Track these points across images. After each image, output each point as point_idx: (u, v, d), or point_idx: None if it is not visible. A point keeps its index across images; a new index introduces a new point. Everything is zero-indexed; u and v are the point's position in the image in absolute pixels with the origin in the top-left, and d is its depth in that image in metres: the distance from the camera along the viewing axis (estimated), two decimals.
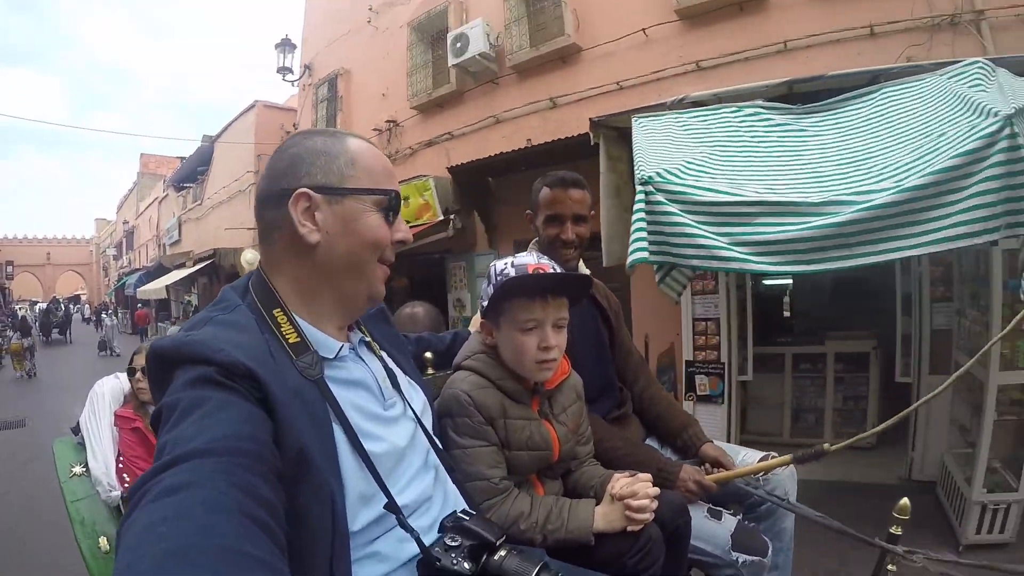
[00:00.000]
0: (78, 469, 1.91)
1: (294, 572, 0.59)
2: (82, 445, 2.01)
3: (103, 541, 1.71)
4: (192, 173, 17.21)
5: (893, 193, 2.04)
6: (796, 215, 2.20)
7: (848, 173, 2.38)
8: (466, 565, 0.81)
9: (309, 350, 0.82)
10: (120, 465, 2.08)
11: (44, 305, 23.45)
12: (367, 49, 8.40)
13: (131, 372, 2.35)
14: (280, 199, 0.84)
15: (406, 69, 7.53)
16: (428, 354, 1.36)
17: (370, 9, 8.29)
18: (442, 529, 0.86)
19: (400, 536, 0.82)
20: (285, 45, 9.60)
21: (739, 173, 2.54)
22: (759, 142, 2.86)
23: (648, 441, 1.67)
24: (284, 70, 9.66)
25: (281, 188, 0.84)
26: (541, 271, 1.16)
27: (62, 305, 22.45)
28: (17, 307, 23.11)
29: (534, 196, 1.65)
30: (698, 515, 1.34)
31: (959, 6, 4.08)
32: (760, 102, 3.16)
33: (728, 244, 2.23)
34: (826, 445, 1.39)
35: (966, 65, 2.68)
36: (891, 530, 1.24)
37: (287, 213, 0.83)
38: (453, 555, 0.81)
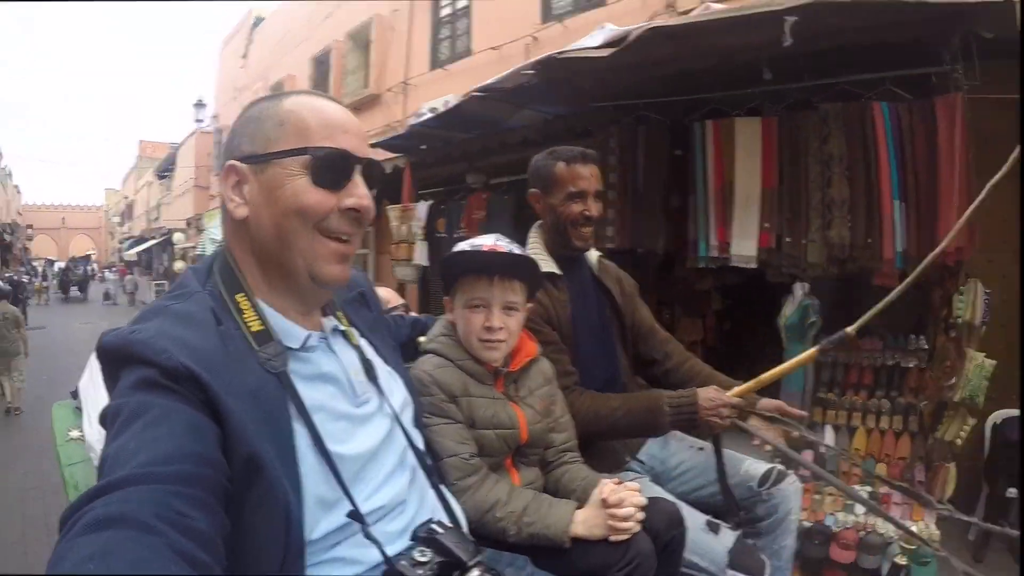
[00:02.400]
0: (75, 433, 1.86)
1: None
2: (80, 410, 1.93)
3: None
4: (167, 168, 22.85)
5: None
6: None
7: None
8: None
9: (272, 339, 0.77)
10: None
11: (63, 264, 25.94)
12: (235, 117, 14.06)
13: None
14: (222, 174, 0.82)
15: None
16: (422, 338, 1.31)
17: (235, 87, 13.62)
18: (414, 538, 0.81)
19: (366, 541, 0.78)
20: (198, 104, 15.47)
21: None
22: None
23: None
24: (199, 121, 15.60)
25: (223, 163, 0.82)
26: (494, 252, 1.17)
27: (80, 265, 24.60)
28: (36, 264, 26.81)
29: (543, 173, 1.50)
30: (695, 527, 1.27)
31: (395, 78, 7.60)
32: None
33: None
34: (849, 329, 1.37)
35: None
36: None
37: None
38: (420, 571, 0.75)
